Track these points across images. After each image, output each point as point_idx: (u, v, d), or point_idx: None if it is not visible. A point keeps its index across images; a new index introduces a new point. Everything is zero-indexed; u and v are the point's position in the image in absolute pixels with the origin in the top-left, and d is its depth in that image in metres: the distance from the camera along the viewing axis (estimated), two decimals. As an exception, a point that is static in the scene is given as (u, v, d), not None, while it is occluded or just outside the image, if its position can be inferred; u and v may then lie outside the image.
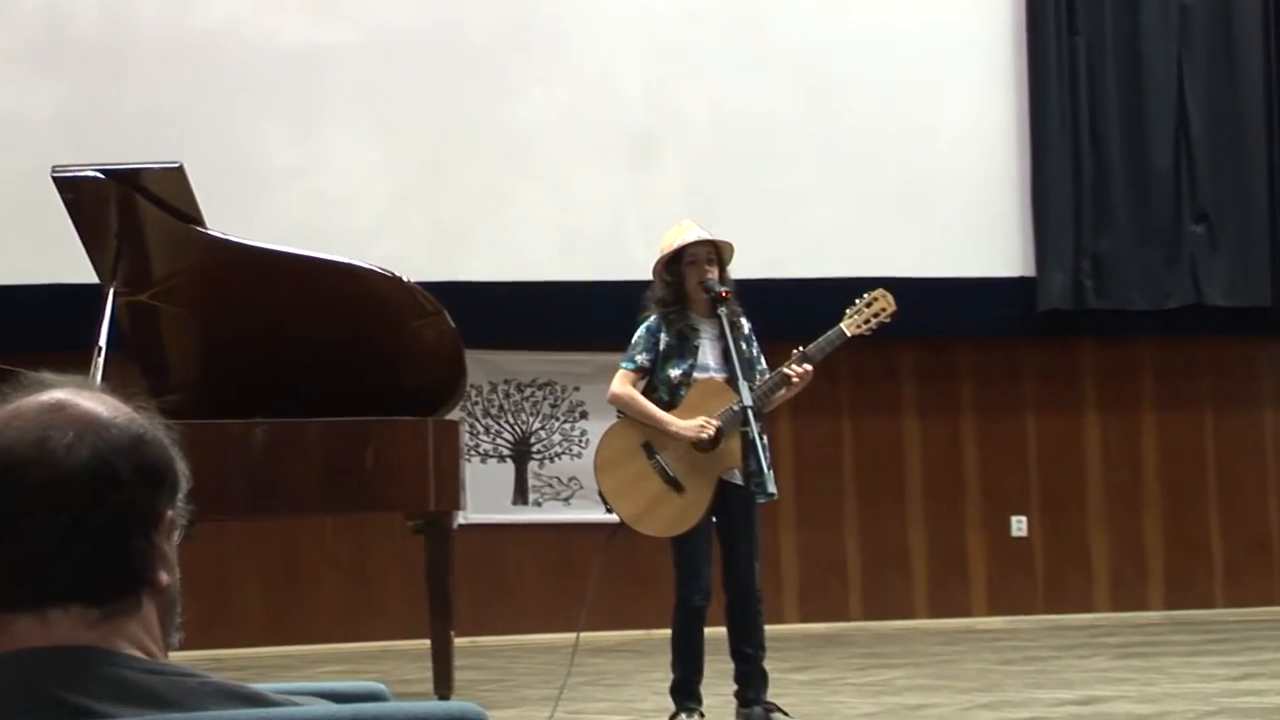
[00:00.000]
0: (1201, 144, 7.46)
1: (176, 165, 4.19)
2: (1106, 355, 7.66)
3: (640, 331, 4.53)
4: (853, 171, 7.29)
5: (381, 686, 1.45)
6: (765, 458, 4.18)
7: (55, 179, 4.20)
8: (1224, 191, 7.49)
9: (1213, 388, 7.71)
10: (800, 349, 4.45)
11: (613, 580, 6.63)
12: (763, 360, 4.58)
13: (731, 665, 4.51)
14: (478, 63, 7.19)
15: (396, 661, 6.45)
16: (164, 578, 1.15)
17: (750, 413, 4.20)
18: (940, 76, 7.39)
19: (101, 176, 4.14)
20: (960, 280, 7.29)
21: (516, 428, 7.30)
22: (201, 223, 4.27)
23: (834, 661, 6.23)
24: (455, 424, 4.62)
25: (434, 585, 4.43)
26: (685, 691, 4.52)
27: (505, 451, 7.29)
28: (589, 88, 7.27)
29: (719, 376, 4.46)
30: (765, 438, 4.29)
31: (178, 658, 1.18)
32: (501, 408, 7.29)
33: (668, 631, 4.57)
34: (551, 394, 7.30)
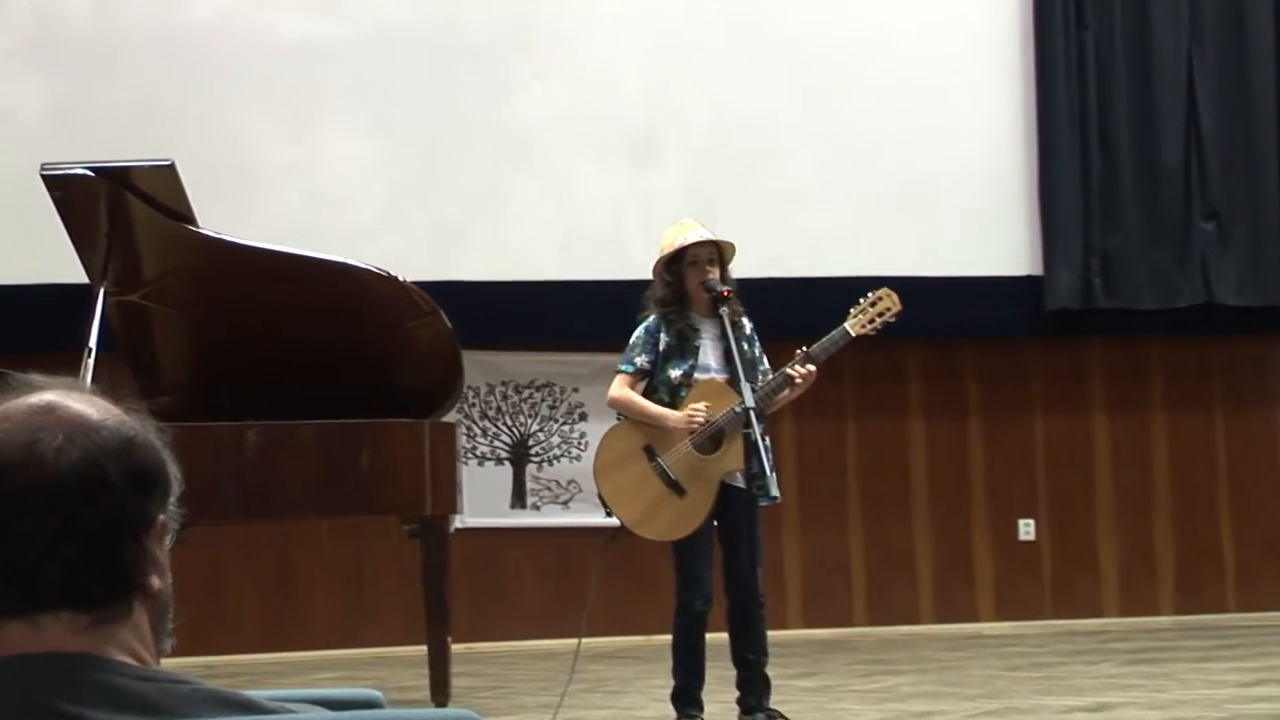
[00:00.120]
0: (1212, 140, 7.46)
1: (168, 162, 4.19)
2: (1115, 355, 7.66)
3: (638, 332, 4.53)
4: (856, 169, 7.29)
5: (377, 694, 1.45)
6: (768, 460, 4.18)
7: (44, 177, 4.20)
8: (1235, 188, 7.49)
9: (1224, 388, 7.71)
10: (804, 349, 4.46)
11: (613, 585, 6.63)
12: (765, 361, 4.59)
13: (733, 671, 4.51)
14: (476, 59, 7.19)
15: (392, 668, 6.45)
16: (156, 583, 1.15)
17: (753, 414, 4.20)
18: (946, 72, 7.39)
19: (91, 174, 4.15)
20: (966, 279, 7.29)
21: (514, 430, 7.30)
22: (193, 221, 4.27)
23: (838, 668, 6.23)
24: (452, 426, 4.62)
25: (431, 590, 4.43)
26: (686, 698, 4.53)
27: (503, 454, 7.29)
28: (589, 85, 7.27)
29: (720, 377, 4.46)
30: (768, 439, 4.29)
31: (170, 664, 1.18)
32: (499, 409, 7.29)
33: (668, 637, 4.58)
34: (550, 395, 7.30)
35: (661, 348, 4.49)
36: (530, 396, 7.31)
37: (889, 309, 4.60)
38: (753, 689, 4.47)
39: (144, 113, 6.78)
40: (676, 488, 4.42)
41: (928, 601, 7.46)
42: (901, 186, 7.28)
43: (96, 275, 4.22)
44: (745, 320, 4.55)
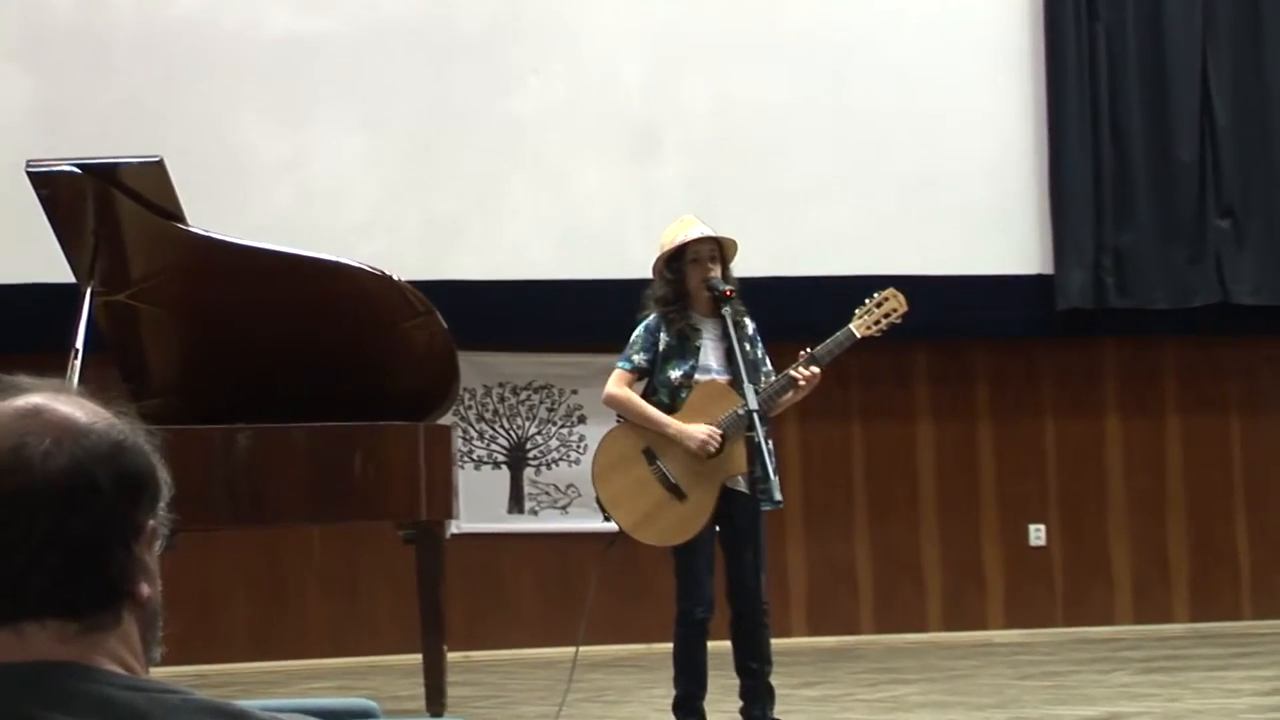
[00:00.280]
0: (1227, 135, 7.46)
1: (156, 159, 4.19)
2: (1128, 356, 7.66)
3: (639, 330, 4.54)
4: (862, 165, 7.29)
5: (372, 703, 1.46)
6: (771, 464, 4.18)
7: (30, 174, 4.21)
8: (1250, 184, 7.49)
9: (1240, 390, 7.71)
10: (807, 350, 4.46)
11: (612, 592, 6.63)
12: (768, 363, 4.59)
13: (736, 680, 4.52)
14: (471, 52, 7.20)
15: (387, 677, 6.45)
16: (145, 590, 1.15)
17: (756, 417, 4.20)
18: (953, 66, 7.39)
19: (77, 171, 4.15)
20: (975, 278, 7.29)
21: (512, 433, 7.31)
22: (182, 219, 4.27)
23: (844, 677, 6.24)
24: (448, 429, 4.62)
25: (426, 598, 4.43)
26: (688, 708, 4.53)
27: (500, 458, 7.30)
28: (587, 78, 7.27)
29: (722, 378, 4.46)
30: (770, 443, 4.29)
31: (160, 674, 1.18)
32: (496, 412, 7.30)
33: (669, 645, 4.58)
34: (548, 397, 7.31)
35: (661, 347, 4.49)
36: (528, 398, 7.31)
37: (895, 310, 4.60)
38: (756, 699, 4.47)
39: (132, 108, 6.79)
40: (677, 491, 4.42)
41: (936, 609, 7.47)
42: (908, 183, 7.28)
43: (84, 274, 4.23)
44: (747, 320, 4.55)
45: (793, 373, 4.41)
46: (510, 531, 7.25)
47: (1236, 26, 7.52)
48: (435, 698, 4.50)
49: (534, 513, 7.29)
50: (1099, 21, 7.42)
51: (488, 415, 7.28)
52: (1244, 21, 7.53)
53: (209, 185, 6.20)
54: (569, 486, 7.21)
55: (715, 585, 4.49)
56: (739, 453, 4.33)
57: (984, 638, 7.33)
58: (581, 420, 7.25)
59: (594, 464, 4.56)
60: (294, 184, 7.04)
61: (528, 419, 7.31)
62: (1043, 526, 7.55)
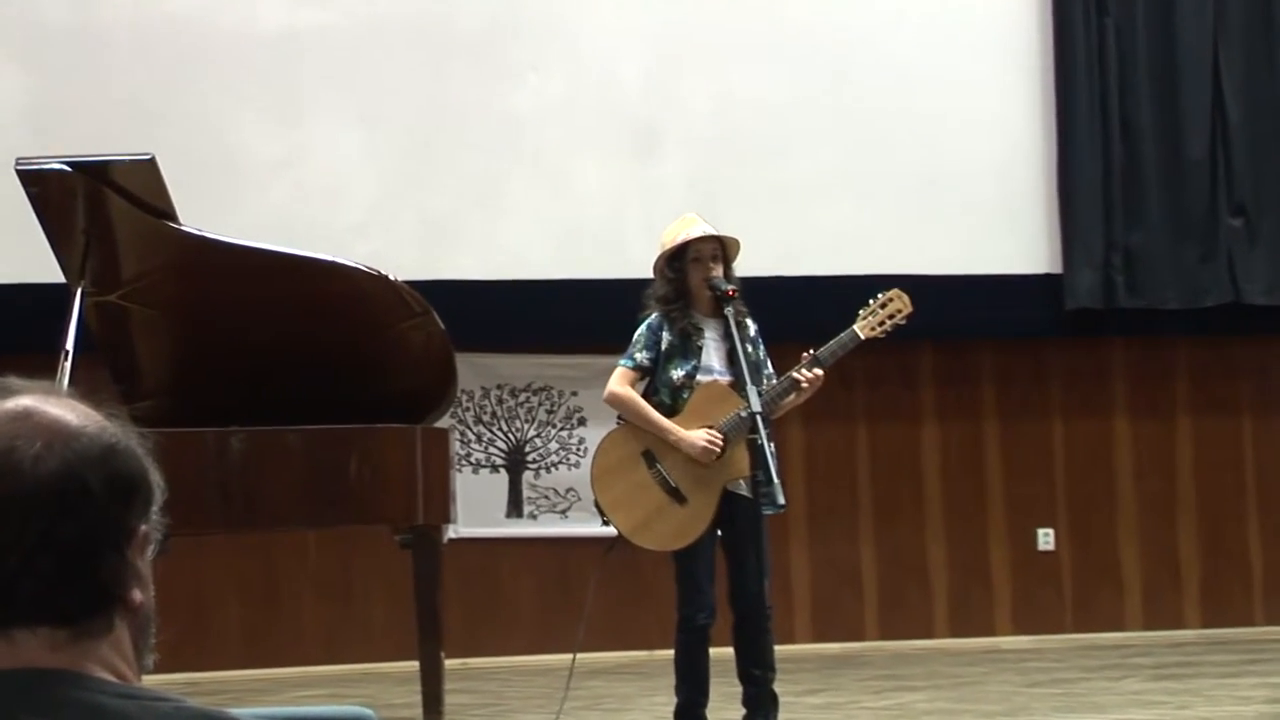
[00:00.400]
0: (1239, 132, 7.46)
1: (148, 157, 4.20)
2: (1138, 357, 7.66)
3: (641, 329, 4.55)
4: (866, 163, 7.29)
5: (368, 712, 1.46)
6: (774, 467, 4.18)
7: (19, 172, 4.21)
8: (1263, 182, 7.50)
9: (1252, 391, 7.71)
10: (811, 352, 4.46)
11: (612, 597, 6.63)
12: (769, 364, 4.59)
13: (739, 688, 4.52)
14: (470, 48, 7.20)
15: (383, 685, 6.45)
16: (137, 596, 1.16)
17: (759, 420, 4.20)
18: (960, 62, 7.40)
19: (68, 169, 4.15)
20: (982, 278, 7.29)
21: (510, 435, 7.31)
22: (175, 218, 4.27)
23: (849, 684, 6.24)
24: (445, 432, 4.62)
25: (422, 604, 4.43)
26: (690, 716, 4.53)
27: (498, 461, 7.30)
28: (587, 75, 7.28)
29: (723, 380, 4.47)
30: (773, 445, 4.29)
31: (151, 681, 1.19)
32: (494, 414, 7.30)
33: (670, 652, 4.58)
34: (547, 399, 7.31)
35: (664, 346, 4.50)
36: (527, 400, 7.32)
37: (899, 310, 4.61)
38: (760, 706, 4.47)
39: (125, 105, 6.79)
40: (677, 495, 4.43)
41: (942, 614, 7.47)
42: (912, 181, 7.28)
43: (74, 274, 4.23)
44: (749, 321, 4.56)
45: (795, 374, 4.42)
46: (509, 536, 7.25)
47: (1248, 21, 7.52)
48: (432, 705, 4.50)
49: (533, 517, 7.29)
50: (1108, 16, 7.42)
51: (486, 417, 7.29)
52: (1256, 16, 7.53)
53: (203, 183, 6.20)
54: (569, 490, 7.22)
55: (717, 590, 4.49)
56: (741, 456, 4.33)
57: (991, 644, 7.33)
58: (581, 423, 7.25)
59: (593, 467, 4.57)
60: (289, 182, 7.04)
61: (527, 421, 7.31)
62: (1051, 530, 7.55)
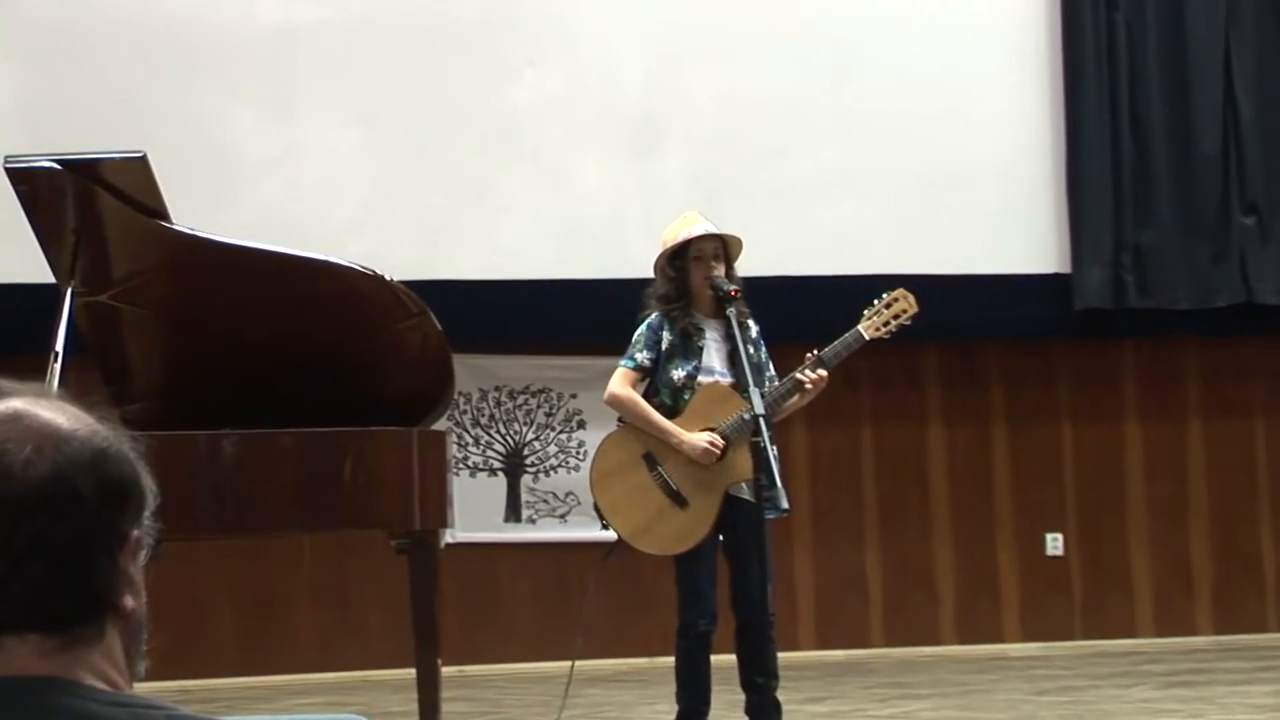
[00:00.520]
0: (1251, 128, 7.46)
1: (139, 154, 4.19)
2: (1148, 358, 7.67)
3: (641, 329, 4.55)
4: (871, 160, 7.30)
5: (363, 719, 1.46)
6: (777, 470, 4.18)
7: (7, 170, 4.21)
8: (1276, 180, 7.50)
9: (1264, 392, 7.71)
10: (814, 352, 4.46)
11: (612, 603, 6.64)
12: (771, 366, 4.60)
13: (742, 696, 4.52)
14: (466, 43, 7.21)
15: (378, 692, 6.46)
16: (129, 602, 1.16)
17: (762, 422, 4.20)
18: (967, 56, 7.40)
19: (58, 167, 4.15)
20: (989, 277, 7.30)
21: (508, 438, 7.31)
22: (166, 217, 4.27)
23: (854, 691, 6.24)
24: (442, 435, 4.62)
25: (419, 610, 4.43)
26: (691, 724, 4.53)
27: (496, 464, 7.30)
28: (586, 70, 7.28)
29: (725, 381, 4.47)
30: (775, 448, 4.29)
31: (143, 689, 1.19)
32: (492, 417, 7.30)
33: (671, 659, 4.58)
34: (546, 402, 7.31)
35: (664, 346, 4.50)
36: (525, 403, 7.32)
37: (905, 310, 4.61)
38: (763, 714, 4.47)
39: (115, 101, 6.80)
40: (678, 498, 4.43)
41: (949, 621, 7.47)
42: (919, 179, 7.29)
43: (64, 274, 4.23)
44: (751, 322, 4.56)
45: (799, 375, 4.42)
46: (507, 541, 7.25)
47: (1260, 15, 7.53)
48: (428, 713, 4.50)
49: (532, 521, 7.29)
50: (1118, 11, 7.42)
51: (484, 420, 7.29)
52: (1267, 10, 7.54)
53: (195, 181, 6.21)
54: (568, 494, 7.22)
55: (719, 596, 4.50)
56: (743, 459, 4.33)
57: (999, 651, 7.33)
58: (581, 425, 7.25)
59: (592, 469, 4.57)
60: (283, 180, 7.04)
61: (525, 424, 7.31)
62: (1060, 535, 7.56)
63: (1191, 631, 7.53)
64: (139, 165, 4.16)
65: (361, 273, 4.45)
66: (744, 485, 4.40)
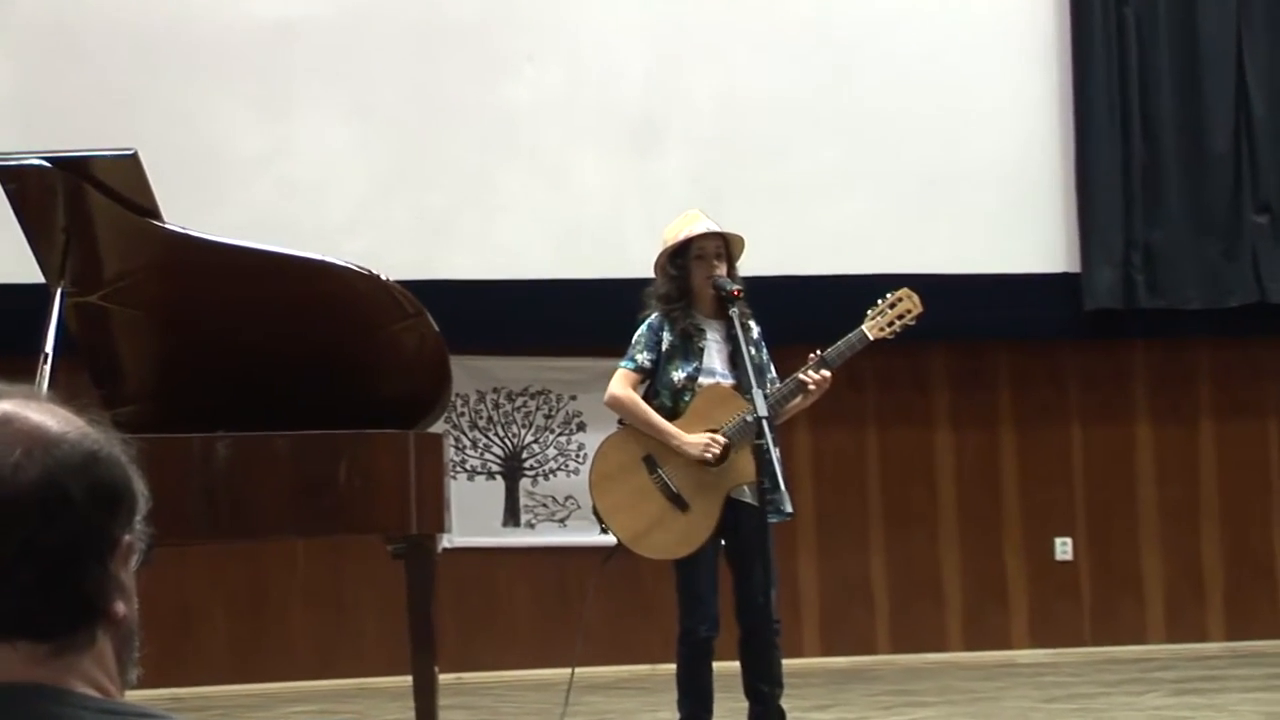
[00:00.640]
0: (1263, 124, 7.47)
1: (130, 152, 4.20)
2: (1159, 359, 7.67)
3: (641, 329, 4.55)
4: (875, 158, 7.30)
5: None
6: (780, 473, 4.18)
7: (-4, 168, 4.21)
8: (1289, 178, 7.50)
9: (1278, 393, 7.71)
10: (817, 353, 4.47)
11: (612, 609, 6.64)
12: (772, 367, 4.60)
13: (744, 703, 4.52)
14: (463, 38, 7.21)
15: (374, 700, 6.46)
16: (120, 609, 1.16)
17: (765, 424, 4.20)
18: (973, 52, 7.40)
19: (47, 165, 4.15)
20: (996, 277, 7.30)
21: (507, 441, 7.31)
22: (158, 215, 4.28)
23: (859, 699, 6.24)
24: (439, 438, 4.62)
25: (416, 616, 4.43)
26: (693, 732, 4.53)
27: (495, 467, 7.31)
28: (585, 66, 7.28)
29: (726, 382, 4.47)
30: (778, 450, 4.30)
31: (135, 697, 1.19)
32: (490, 419, 7.30)
33: (673, 666, 4.58)
34: (545, 404, 7.32)
35: (665, 347, 4.50)
36: (524, 405, 7.32)
37: (909, 310, 4.61)
38: (766, 722, 4.47)
39: (106, 98, 6.80)
40: (679, 502, 4.43)
41: (956, 626, 7.47)
42: (924, 176, 7.29)
43: (53, 274, 4.23)
44: (752, 323, 4.56)
45: (802, 376, 4.42)
46: (505, 546, 7.25)
47: (1272, 9, 7.53)
48: (426, 721, 4.50)
49: (530, 526, 7.29)
50: (1127, 5, 7.42)
51: (481, 423, 7.29)
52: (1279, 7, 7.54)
53: (186, 179, 6.21)
54: (567, 498, 7.22)
55: (720, 602, 4.49)
56: (745, 462, 4.34)
57: (1007, 658, 7.33)
58: (580, 428, 7.25)
59: (592, 472, 4.57)
60: (276, 178, 7.05)
61: (524, 426, 7.32)
62: (1069, 539, 7.55)
63: (1204, 637, 7.53)
64: (130, 163, 4.16)
65: (357, 272, 4.45)
66: (746, 488, 4.41)
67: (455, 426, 7.17)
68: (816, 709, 5.86)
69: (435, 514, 4.45)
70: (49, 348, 4.00)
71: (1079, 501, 7.58)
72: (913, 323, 4.63)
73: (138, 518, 1.18)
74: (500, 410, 7.31)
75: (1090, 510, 7.58)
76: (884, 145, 7.31)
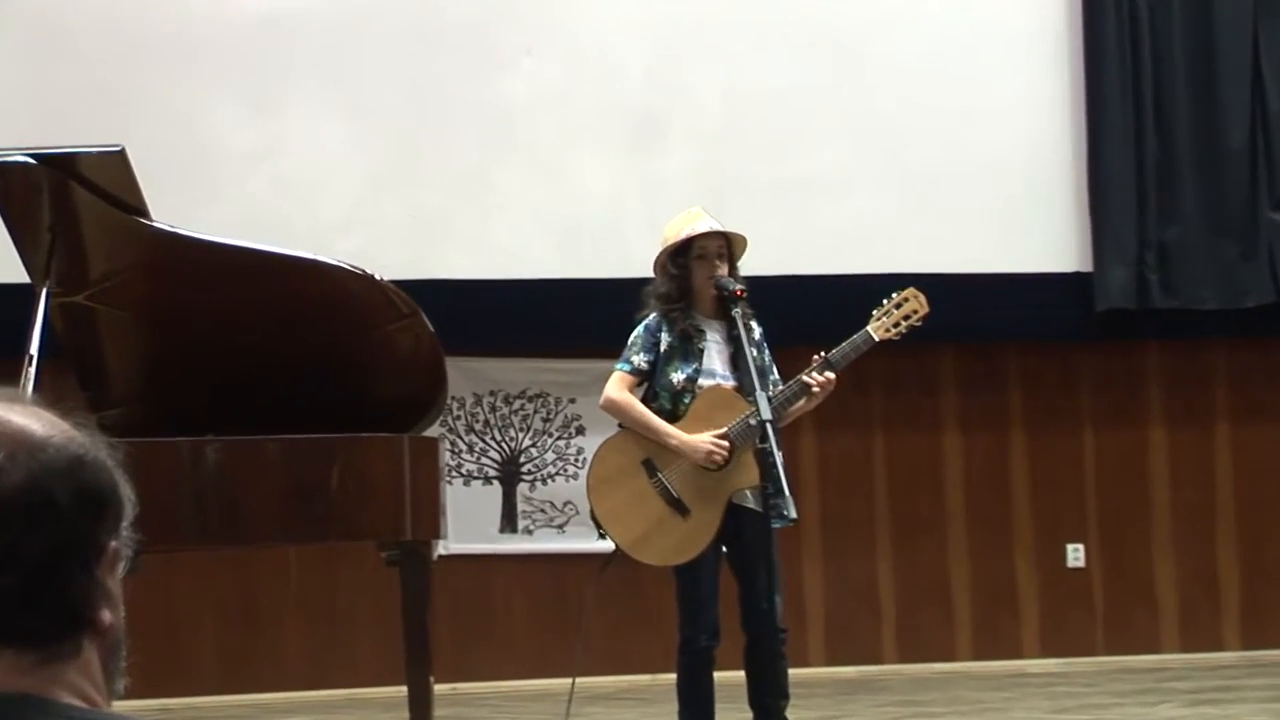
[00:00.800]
0: (1280, 120, 7.47)
1: (118, 149, 4.20)
2: (1174, 360, 7.67)
3: (638, 330, 4.55)
4: (882, 155, 7.30)
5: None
6: (784, 477, 4.18)
7: (-20, 165, 4.21)
8: (1306, 174, 7.50)
9: (1295, 397, 7.72)
10: (822, 355, 4.47)
11: (612, 618, 6.64)
12: (774, 369, 4.60)
13: (749, 714, 4.52)
14: (459, 32, 7.21)
15: (368, 711, 6.46)
16: (107, 617, 1.16)
17: (769, 427, 4.20)
18: (982, 46, 7.40)
19: (32, 161, 4.16)
20: (1007, 277, 7.30)
21: (504, 445, 7.32)
22: (146, 214, 4.28)
23: (865, 710, 6.24)
24: (435, 441, 4.63)
25: (411, 624, 4.43)
26: (695, 744, 4.53)
27: (491, 472, 7.31)
28: (585, 60, 7.29)
29: (727, 384, 4.47)
30: (781, 454, 4.29)
31: (123, 707, 1.19)
32: (487, 422, 7.31)
33: (674, 676, 4.58)
34: (544, 407, 7.32)
35: (663, 348, 4.50)
36: (521, 408, 7.32)
37: (915, 311, 4.61)
38: (770, 735, 4.47)
39: (93, 93, 6.81)
40: (679, 507, 4.43)
41: (965, 636, 7.47)
42: (931, 174, 7.29)
43: (39, 274, 4.23)
44: (754, 323, 4.56)
45: (806, 378, 4.42)
46: (502, 552, 7.25)
47: (1290, 3, 7.53)
48: (421, 733, 4.50)
49: (528, 532, 7.29)
50: (1141, -2, 7.43)
51: (478, 426, 7.29)
52: (1298, -2, 7.54)
53: (176, 177, 6.22)
54: (566, 503, 7.22)
55: (723, 611, 4.49)
56: (748, 465, 4.34)
57: (1018, 667, 7.33)
58: (579, 431, 7.26)
59: (589, 476, 4.57)
60: (268, 175, 7.05)
61: (521, 430, 7.32)
62: (1081, 546, 7.56)
63: (1219, 647, 7.53)
64: (117, 160, 4.17)
65: (350, 272, 4.45)
66: (748, 493, 4.40)
67: (451, 430, 7.18)
68: (822, 720, 5.87)
69: (430, 520, 4.45)
70: (34, 349, 4.01)
71: (1091, 507, 7.58)
72: (919, 324, 4.63)
73: (125, 523, 1.18)
74: (497, 413, 7.31)
75: (1103, 516, 7.58)
76: (890, 141, 7.31)
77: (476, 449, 7.29)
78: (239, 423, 4.26)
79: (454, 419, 7.21)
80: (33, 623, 1.13)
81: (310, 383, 4.45)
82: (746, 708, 4.52)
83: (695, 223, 4.56)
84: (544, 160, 7.21)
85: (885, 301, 4.63)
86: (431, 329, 4.56)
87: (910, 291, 4.64)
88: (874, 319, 4.59)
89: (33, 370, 3.96)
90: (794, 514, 4.28)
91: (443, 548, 6.71)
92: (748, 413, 4.35)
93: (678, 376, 4.48)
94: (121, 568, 1.19)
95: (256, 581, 7.01)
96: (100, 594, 1.16)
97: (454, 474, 7.17)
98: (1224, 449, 7.67)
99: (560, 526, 7.27)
